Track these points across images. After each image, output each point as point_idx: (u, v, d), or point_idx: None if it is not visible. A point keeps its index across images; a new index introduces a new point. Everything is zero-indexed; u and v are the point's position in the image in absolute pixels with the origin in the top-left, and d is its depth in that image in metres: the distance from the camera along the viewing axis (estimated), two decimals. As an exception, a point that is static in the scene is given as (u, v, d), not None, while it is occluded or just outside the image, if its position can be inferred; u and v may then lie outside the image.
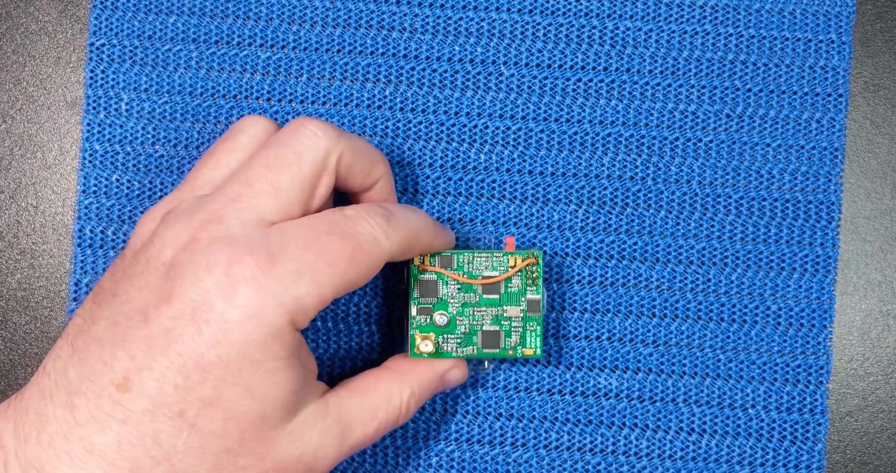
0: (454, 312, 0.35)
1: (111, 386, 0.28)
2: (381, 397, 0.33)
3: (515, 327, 0.35)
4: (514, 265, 0.35)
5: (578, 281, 0.38)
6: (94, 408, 0.28)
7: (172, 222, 0.30)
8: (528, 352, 0.35)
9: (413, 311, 0.35)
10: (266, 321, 0.28)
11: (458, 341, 0.35)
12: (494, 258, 0.35)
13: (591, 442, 0.37)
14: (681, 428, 0.37)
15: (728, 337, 0.37)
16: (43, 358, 0.38)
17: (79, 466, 0.28)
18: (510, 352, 0.35)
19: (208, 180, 0.33)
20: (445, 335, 0.35)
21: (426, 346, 0.34)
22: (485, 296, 0.35)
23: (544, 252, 0.37)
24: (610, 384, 0.37)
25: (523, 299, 0.35)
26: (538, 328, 0.35)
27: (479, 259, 0.35)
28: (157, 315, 0.29)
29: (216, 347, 0.28)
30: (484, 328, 0.35)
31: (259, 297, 0.28)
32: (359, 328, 0.38)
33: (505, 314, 0.35)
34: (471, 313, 0.35)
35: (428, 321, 0.35)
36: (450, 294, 0.35)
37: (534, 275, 0.35)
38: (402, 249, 0.32)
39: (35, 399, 0.29)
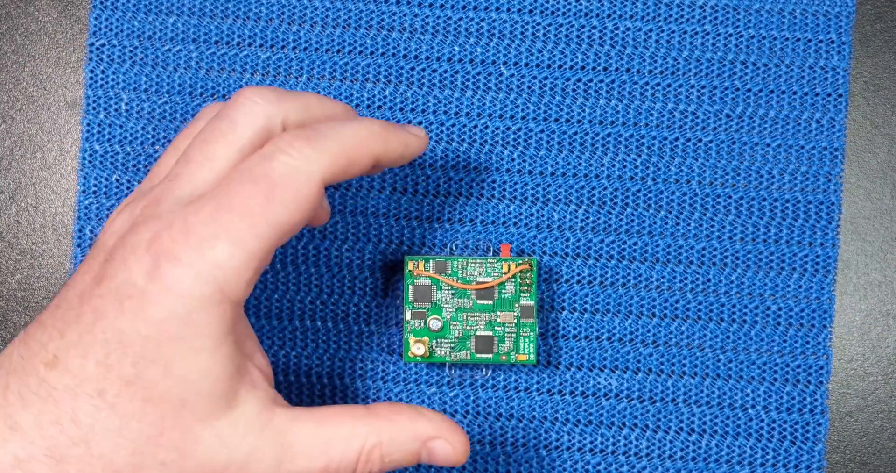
0: (448, 317, 0.35)
1: (41, 365, 0.28)
2: (341, 433, 0.29)
3: (509, 332, 0.35)
4: (508, 271, 0.35)
5: (578, 281, 0.38)
6: (23, 386, 0.28)
7: (122, 211, 0.30)
8: (522, 358, 0.35)
9: (407, 315, 0.35)
10: (185, 293, 0.27)
11: (452, 345, 0.35)
12: (489, 264, 0.35)
13: (591, 442, 0.37)
14: (681, 428, 0.37)
15: (728, 337, 0.37)
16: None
17: (1, 444, 0.27)
18: (504, 358, 0.35)
19: (165, 168, 0.32)
20: (439, 340, 0.35)
21: (419, 349, 0.35)
22: (479, 301, 0.35)
23: (539, 259, 0.37)
24: (610, 384, 0.37)
25: (517, 305, 0.35)
26: (532, 333, 0.35)
27: (473, 265, 0.35)
28: (90, 296, 0.28)
29: (135, 322, 0.27)
30: (478, 333, 0.35)
31: (177, 269, 0.27)
32: (358, 329, 0.38)
33: (498, 320, 0.35)
34: (465, 318, 0.35)
35: (422, 325, 0.35)
36: (444, 299, 0.35)
37: (528, 281, 0.35)
38: (337, 168, 0.29)
39: None
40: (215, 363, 0.28)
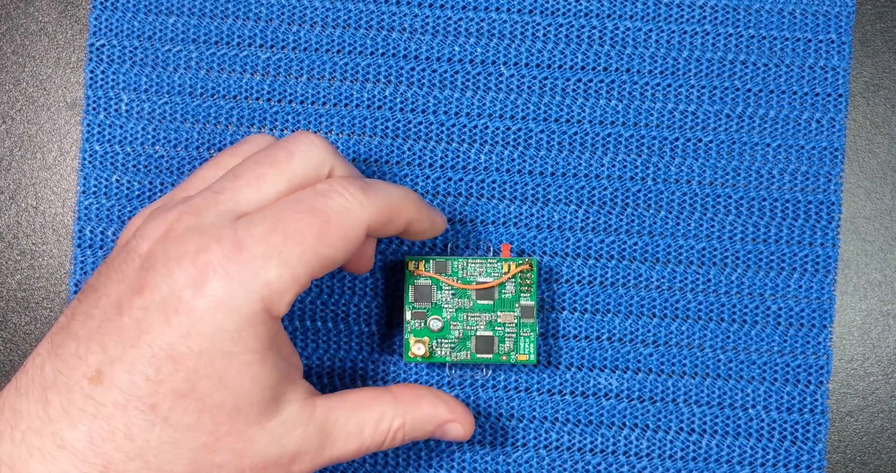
0: (448, 317, 0.35)
1: (84, 380, 0.28)
2: (372, 417, 0.32)
3: (509, 332, 0.35)
4: (508, 272, 0.35)
5: (578, 281, 0.38)
6: (67, 403, 0.28)
7: (155, 216, 0.30)
8: (522, 358, 0.35)
9: (408, 315, 0.35)
10: (236, 309, 0.28)
11: (452, 345, 0.35)
12: (489, 264, 0.35)
13: (592, 443, 0.37)
14: (681, 428, 0.37)
15: (728, 337, 0.37)
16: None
17: (50, 462, 0.27)
18: (504, 358, 0.35)
19: (202, 180, 0.33)
20: (440, 340, 0.35)
21: (419, 349, 0.35)
22: (479, 302, 0.35)
23: (539, 259, 0.37)
24: (610, 384, 0.37)
25: (517, 305, 0.35)
26: (532, 333, 0.35)
27: (473, 265, 0.35)
28: (130, 307, 0.28)
29: (186, 338, 0.27)
30: (478, 333, 0.35)
31: (228, 285, 0.28)
32: (358, 329, 0.38)
33: (499, 320, 0.35)
34: (465, 318, 0.35)
35: (422, 325, 0.35)
36: (444, 299, 0.35)
37: (528, 281, 0.35)
38: (380, 220, 0.30)
39: (11, 397, 0.29)
40: (264, 374, 0.29)
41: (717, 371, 0.37)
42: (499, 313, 0.35)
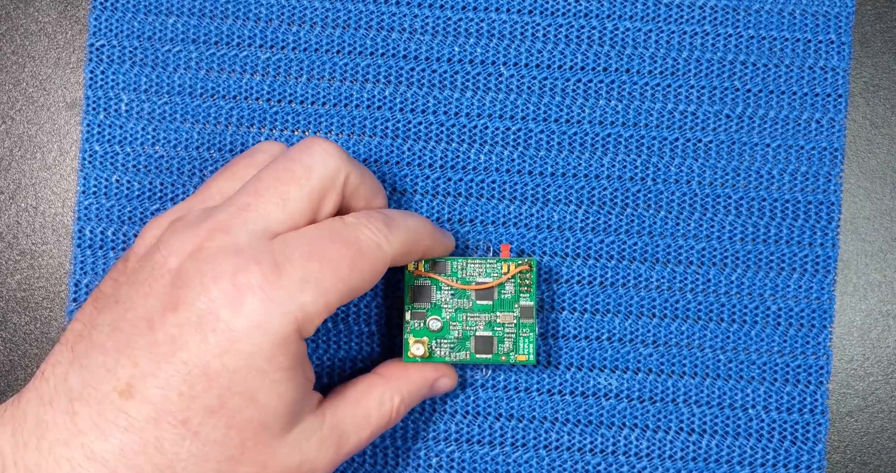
0: (448, 317, 0.35)
1: (114, 393, 0.28)
2: (374, 404, 0.33)
3: (509, 333, 0.35)
4: (508, 272, 0.35)
5: (578, 281, 0.38)
6: (97, 415, 0.28)
7: (179, 230, 0.30)
8: (522, 358, 0.35)
9: (407, 315, 0.35)
10: (272, 330, 0.29)
11: (452, 345, 0.35)
12: (488, 265, 0.35)
13: (591, 443, 0.37)
14: (681, 429, 0.37)
15: (728, 337, 0.37)
16: (43, 359, 0.38)
17: None
18: (503, 358, 0.35)
19: (219, 191, 0.33)
20: (439, 340, 0.35)
21: (418, 350, 0.35)
22: (478, 302, 0.35)
23: (539, 259, 0.37)
24: (610, 384, 0.37)
25: (517, 305, 0.35)
26: (532, 334, 0.35)
27: (472, 266, 0.35)
28: (163, 323, 0.29)
29: (222, 356, 0.28)
30: (477, 333, 0.35)
31: (265, 306, 0.28)
32: (358, 329, 0.38)
33: (498, 320, 0.35)
34: (464, 318, 0.35)
35: (422, 325, 0.35)
36: (443, 300, 0.35)
37: (527, 282, 0.35)
38: (403, 253, 0.32)
39: (34, 405, 0.29)
40: (291, 391, 0.30)
41: (717, 372, 0.37)
42: (498, 313, 0.35)
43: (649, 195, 0.38)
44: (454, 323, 0.35)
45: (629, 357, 0.37)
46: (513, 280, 0.35)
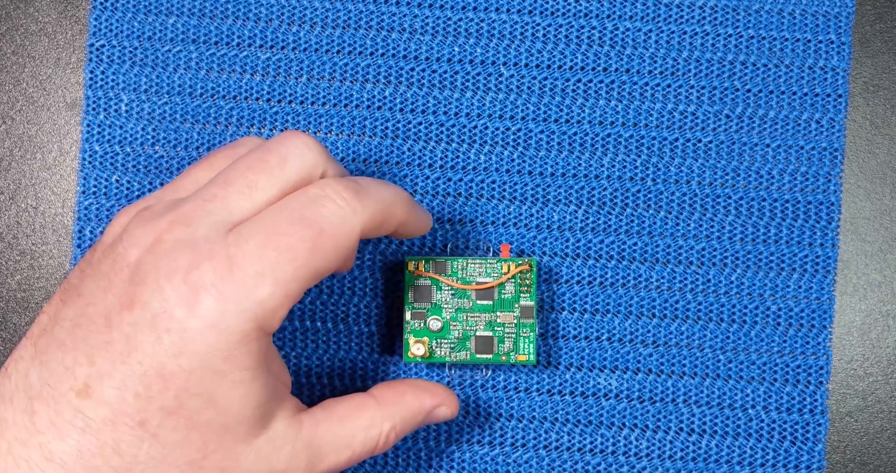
0: (448, 317, 0.35)
1: (71, 392, 0.28)
2: (361, 426, 0.32)
3: (509, 333, 0.35)
4: (508, 272, 0.35)
5: (578, 282, 0.38)
6: (54, 414, 0.28)
7: (144, 220, 0.29)
8: (522, 358, 0.35)
9: (407, 315, 0.35)
10: (229, 329, 0.27)
11: (452, 346, 0.35)
12: (488, 265, 0.35)
13: (591, 443, 0.37)
14: (681, 429, 0.37)
15: (728, 338, 0.37)
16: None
17: None
18: (504, 358, 0.35)
19: (193, 181, 0.32)
20: (439, 340, 0.35)
21: (419, 349, 0.35)
22: (478, 302, 0.35)
23: (539, 259, 0.37)
24: (610, 384, 0.37)
25: (517, 305, 0.35)
26: (532, 334, 0.35)
27: (473, 266, 0.35)
28: (119, 321, 0.28)
29: (177, 357, 0.27)
30: (478, 333, 0.35)
31: (220, 305, 0.27)
32: (358, 329, 0.38)
33: (498, 320, 0.35)
34: (464, 318, 0.35)
35: (422, 325, 0.35)
36: (444, 300, 0.35)
37: (527, 282, 0.35)
38: (374, 224, 0.30)
39: None
40: (254, 391, 0.28)
41: (717, 372, 0.37)
42: (498, 313, 0.35)
43: (649, 195, 0.38)
44: (454, 323, 0.35)
45: (629, 358, 0.37)
46: (513, 280, 0.35)
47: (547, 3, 0.38)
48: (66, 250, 0.38)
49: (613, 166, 0.38)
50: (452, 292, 0.35)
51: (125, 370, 0.27)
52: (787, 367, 0.37)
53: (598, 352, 0.37)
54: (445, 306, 0.35)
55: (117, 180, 0.38)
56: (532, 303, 0.35)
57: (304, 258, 0.28)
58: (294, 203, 0.29)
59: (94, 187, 0.38)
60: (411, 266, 0.35)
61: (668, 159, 0.38)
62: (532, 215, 0.38)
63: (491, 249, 0.37)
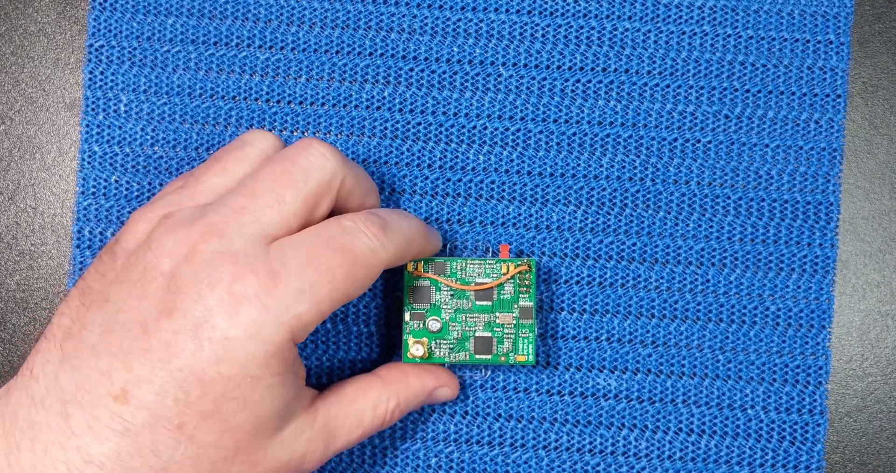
0: (447, 318, 0.35)
1: (108, 397, 0.28)
2: (369, 405, 0.34)
3: (508, 333, 0.35)
4: (507, 272, 0.35)
5: (577, 282, 0.38)
6: (91, 419, 0.28)
7: (171, 228, 0.30)
8: (521, 359, 0.35)
9: (406, 316, 0.35)
10: (268, 339, 0.29)
11: (451, 346, 0.35)
12: (487, 265, 0.35)
13: (591, 443, 0.37)
14: (680, 429, 0.37)
15: (727, 338, 0.37)
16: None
17: None
18: (503, 358, 0.35)
19: (210, 187, 0.33)
20: (438, 341, 0.35)
21: (418, 350, 0.35)
22: (477, 302, 0.35)
23: (538, 259, 0.37)
24: (609, 384, 0.37)
25: (516, 306, 0.35)
26: (531, 334, 0.35)
27: (472, 266, 0.35)
28: (157, 329, 0.29)
29: (218, 364, 0.28)
30: (477, 334, 0.35)
31: (261, 316, 0.29)
32: (357, 330, 0.38)
33: (497, 321, 0.35)
34: (463, 319, 0.35)
35: (421, 326, 0.35)
36: (443, 300, 0.35)
37: (526, 282, 0.35)
38: (397, 257, 0.32)
39: (25, 405, 0.29)
40: (283, 393, 0.30)
41: (716, 372, 0.37)
42: (497, 314, 0.35)
43: (648, 196, 0.38)
44: (453, 324, 0.35)
45: (628, 358, 0.37)
46: (512, 281, 0.35)
47: (546, 3, 0.38)
48: (66, 250, 0.38)
49: (612, 167, 0.38)
50: (451, 292, 0.35)
51: (165, 376, 0.28)
52: (786, 367, 0.37)
53: (597, 352, 0.37)
54: (444, 306, 0.35)
55: (116, 181, 0.38)
56: (531, 304, 0.35)
57: (339, 282, 0.30)
58: (330, 231, 0.31)
59: (94, 187, 0.38)
60: (410, 267, 0.35)
61: (668, 160, 0.38)
62: (531, 216, 0.38)
63: (490, 249, 0.37)
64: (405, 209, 0.38)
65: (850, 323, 0.38)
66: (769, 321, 0.37)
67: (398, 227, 0.32)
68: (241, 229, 0.30)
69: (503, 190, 0.38)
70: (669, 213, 0.38)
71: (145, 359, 0.28)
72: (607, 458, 0.37)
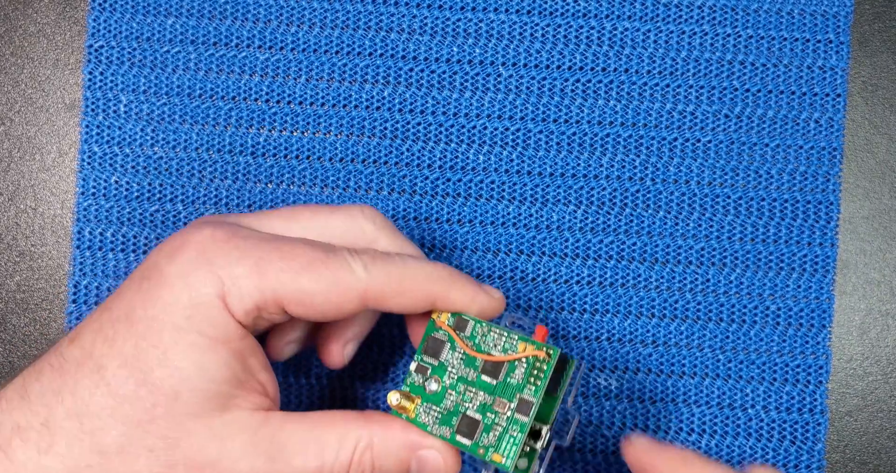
0: (448, 383, 0.31)
1: (67, 340, 0.29)
2: (335, 435, 0.29)
3: (497, 423, 0.30)
4: (522, 351, 0.30)
5: (577, 281, 0.38)
6: (45, 360, 0.29)
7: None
8: (497, 459, 0.30)
9: (413, 366, 0.32)
10: (194, 285, 0.28)
11: (439, 416, 0.31)
12: (509, 339, 0.31)
13: (591, 443, 0.37)
14: (680, 428, 0.37)
15: (727, 337, 0.37)
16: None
17: (7, 412, 0.28)
18: (480, 451, 0.30)
19: (267, 223, 0.32)
20: (429, 405, 0.31)
21: (396, 400, 0.31)
22: (482, 377, 0.31)
23: (569, 355, 0.33)
24: (610, 384, 0.37)
25: (517, 395, 0.30)
26: (519, 435, 0.30)
27: (493, 334, 0.31)
28: (125, 284, 0.30)
29: (145, 302, 0.29)
30: (467, 411, 0.31)
31: (197, 260, 0.29)
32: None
33: (493, 406, 0.30)
34: (463, 390, 0.31)
35: (421, 382, 0.31)
36: (452, 363, 0.31)
37: (540, 373, 0.30)
38: (383, 289, 0.30)
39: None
40: (211, 363, 0.28)
41: (717, 371, 0.37)
42: (497, 397, 0.31)
43: (648, 195, 0.38)
44: (451, 391, 0.31)
45: (629, 357, 0.37)
46: (525, 367, 0.30)
47: (546, 3, 0.38)
48: (66, 251, 0.38)
49: (612, 166, 0.38)
50: (463, 357, 0.31)
51: (105, 316, 0.29)
52: (786, 367, 0.37)
53: (598, 352, 0.37)
54: (451, 369, 0.31)
55: (116, 181, 0.38)
56: (533, 399, 0.30)
57: (295, 268, 0.29)
58: (323, 243, 0.31)
59: (94, 187, 0.38)
60: (435, 315, 0.32)
61: (668, 159, 0.38)
62: (531, 215, 0.38)
63: (530, 312, 0.37)
64: (402, 203, 0.38)
65: (850, 322, 0.38)
66: (769, 321, 0.37)
67: (398, 260, 0.30)
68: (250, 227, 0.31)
69: (503, 190, 0.38)
70: (669, 212, 0.38)
71: (103, 306, 0.29)
72: (608, 458, 0.37)
